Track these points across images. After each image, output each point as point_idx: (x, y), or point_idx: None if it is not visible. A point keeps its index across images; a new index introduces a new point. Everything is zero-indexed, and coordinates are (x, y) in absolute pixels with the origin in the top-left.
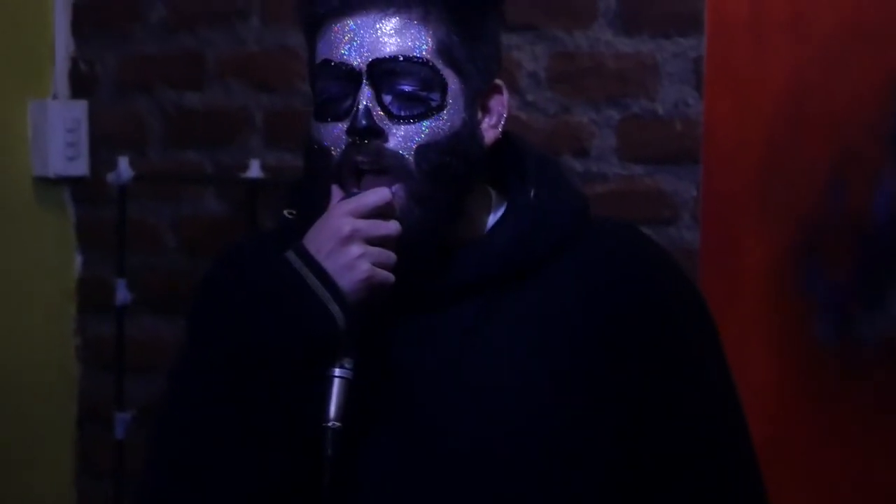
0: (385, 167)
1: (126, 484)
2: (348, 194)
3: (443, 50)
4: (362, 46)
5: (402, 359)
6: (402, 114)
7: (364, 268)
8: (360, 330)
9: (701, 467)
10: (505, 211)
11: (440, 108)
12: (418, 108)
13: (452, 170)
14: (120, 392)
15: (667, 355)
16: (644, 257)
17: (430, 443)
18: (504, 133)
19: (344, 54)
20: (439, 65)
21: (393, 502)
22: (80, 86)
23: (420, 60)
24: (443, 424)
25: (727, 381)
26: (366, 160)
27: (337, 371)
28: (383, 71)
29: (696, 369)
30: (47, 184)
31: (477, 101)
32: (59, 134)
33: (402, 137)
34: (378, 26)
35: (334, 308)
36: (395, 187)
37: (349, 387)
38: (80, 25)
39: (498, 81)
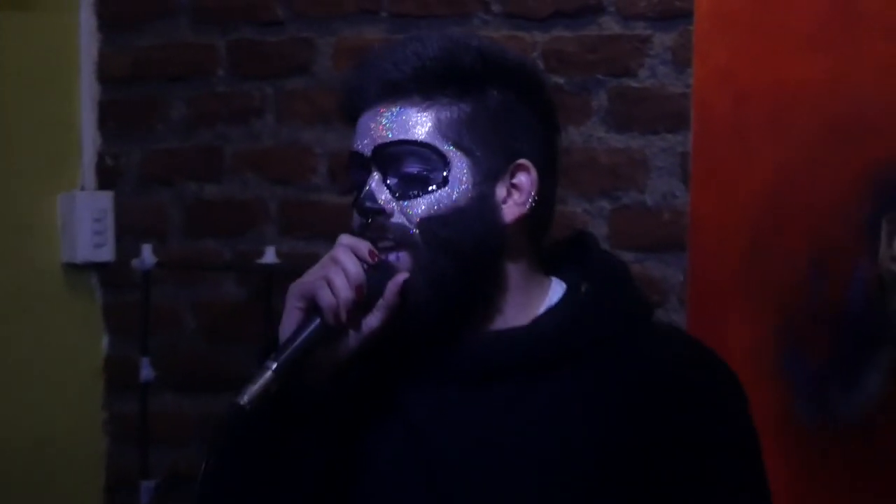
0: (393, 241)
1: None
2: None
3: (445, 131)
4: (369, 135)
5: (434, 429)
6: (406, 192)
7: (323, 272)
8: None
9: None
10: (559, 301)
11: (443, 184)
12: (420, 186)
13: (456, 243)
14: (145, 462)
15: (701, 456)
16: (689, 360)
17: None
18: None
19: (358, 145)
20: (441, 145)
21: None
22: (106, 178)
23: (418, 143)
24: (469, 494)
25: (764, 490)
26: (374, 237)
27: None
28: (386, 155)
29: (732, 475)
30: (76, 269)
31: (493, 180)
32: (87, 223)
33: (406, 213)
34: (381, 116)
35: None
36: (402, 254)
37: (270, 379)
38: (106, 122)
39: (524, 161)
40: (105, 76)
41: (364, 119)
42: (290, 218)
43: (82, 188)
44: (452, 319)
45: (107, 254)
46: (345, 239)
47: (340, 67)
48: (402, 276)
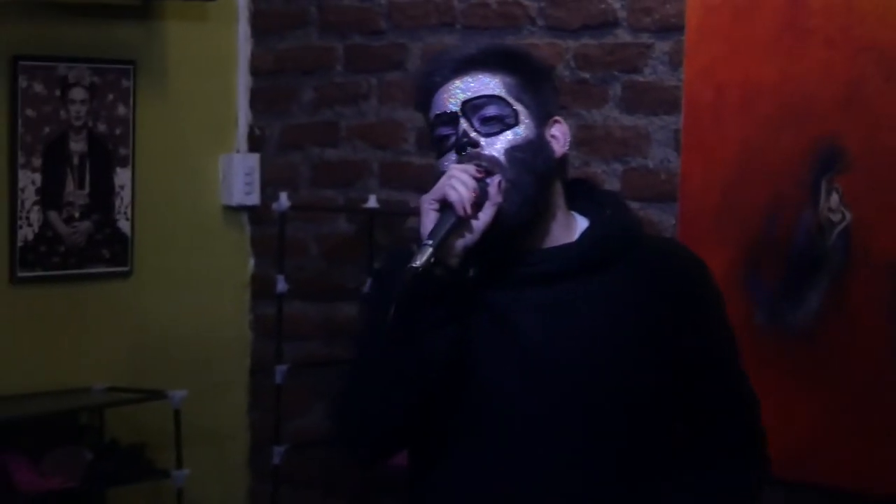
0: (486, 167)
1: (283, 415)
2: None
3: (509, 90)
4: (454, 97)
5: (518, 318)
6: (490, 131)
7: (446, 181)
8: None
9: (716, 373)
10: (590, 224)
11: (516, 124)
12: (499, 126)
13: (531, 163)
14: (279, 352)
15: (696, 315)
16: (682, 258)
17: (540, 374)
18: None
19: (443, 108)
20: (509, 98)
21: (514, 416)
22: (255, 144)
23: (495, 96)
24: (548, 361)
25: (730, 330)
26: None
27: (427, 241)
28: (471, 106)
29: (714, 322)
30: (231, 210)
31: (543, 124)
32: (240, 176)
33: (493, 146)
34: (462, 83)
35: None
36: (497, 177)
37: (431, 252)
38: (255, 103)
39: (558, 117)
40: (255, 70)
41: (442, 91)
42: (388, 174)
43: (237, 151)
44: (534, 225)
45: (254, 199)
46: (454, 167)
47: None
48: (498, 178)
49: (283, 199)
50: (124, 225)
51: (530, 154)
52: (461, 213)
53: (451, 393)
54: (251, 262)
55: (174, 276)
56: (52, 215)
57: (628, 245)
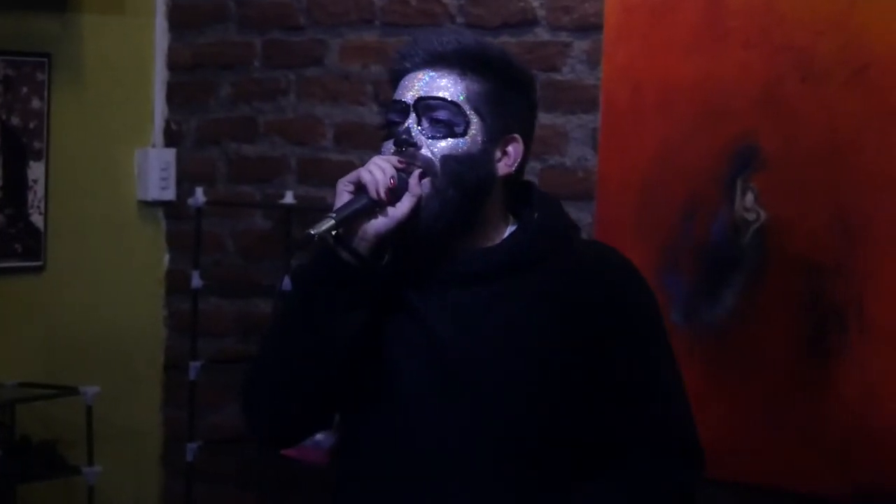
0: (420, 168)
1: (197, 411)
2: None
3: (471, 99)
4: (414, 89)
5: (435, 318)
6: (434, 133)
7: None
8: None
9: (647, 381)
10: (517, 228)
11: (462, 135)
12: (445, 131)
13: (463, 179)
14: (194, 348)
15: (625, 324)
16: (612, 263)
17: (451, 376)
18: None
19: (402, 95)
20: (466, 107)
21: (422, 416)
22: (171, 138)
23: (449, 100)
24: (462, 363)
25: (667, 343)
26: (405, 162)
27: (330, 214)
28: (424, 105)
29: (645, 334)
30: (147, 205)
31: (494, 143)
32: (156, 171)
33: (432, 148)
34: (427, 76)
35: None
36: (424, 182)
37: (330, 225)
38: (172, 98)
39: (517, 136)
40: (172, 64)
41: (408, 78)
42: (305, 170)
43: (153, 146)
44: (451, 235)
45: (170, 194)
46: (377, 157)
47: (345, 60)
48: (418, 171)
49: (199, 195)
50: (37, 219)
51: (466, 168)
52: (373, 195)
53: (364, 383)
54: (166, 257)
55: (88, 271)
56: None
57: (552, 249)
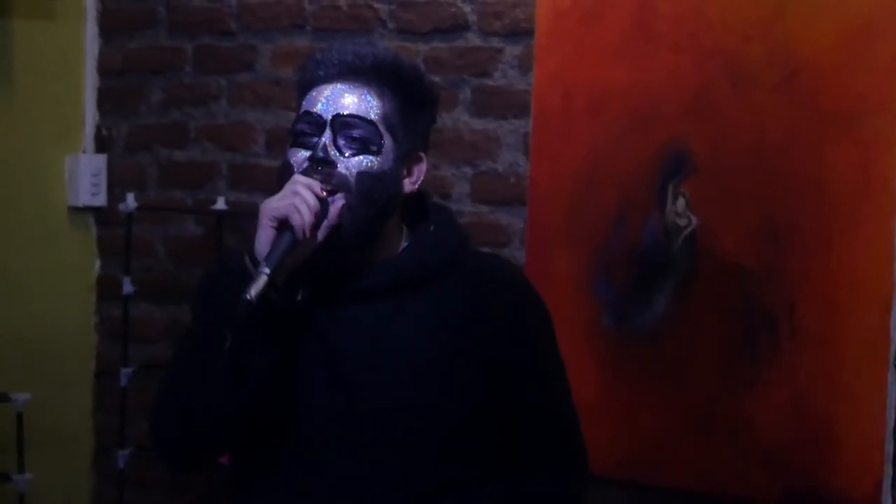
0: (334, 185)
1: (128, 418)
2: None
3: (385, 119)
4: (331, 104)
5: (335, 335)
6: (350, 150)
7: (290, 200)
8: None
9: (537, 401)
10: (410, 242)
11: (377, 153)
12: (360, 149)
13: (378, 195)
14: (125, 354)
15: (518, 337)
16: (505, 275)
17: (353, 394)
18: (420, 192)
19: (318, 108)
20: (381, 127)
21: (325, 435)
22: (102, 144)
23: (367, 119)
24: (363, 381)
25: (557, 355)
26: (321, 179)
27: (262, 268)
28: (341, 122)
29: (537, 346)
30: (77, 211)
31: (403, 161)
32: (87, 177)
33: (347, 165)
34: (344, 93)
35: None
36: (338, 196)
37: (267, 281)
38: (103, 103)
39: (422, 154)
40: (103, 69)
41: (322, 89)
42: (237, 176)
43: (84, 151)
44: (355, 251)
45: (101, 200)
46: (300, 178)
47: (276, 66)
48: (340, 202)
49: (130, 200)
50: None
51: (378, 186)
52: (300, 236)
53: (267, 408)
54: (97, 263)
55: (18, 276)
56: None
57: (447, 262)
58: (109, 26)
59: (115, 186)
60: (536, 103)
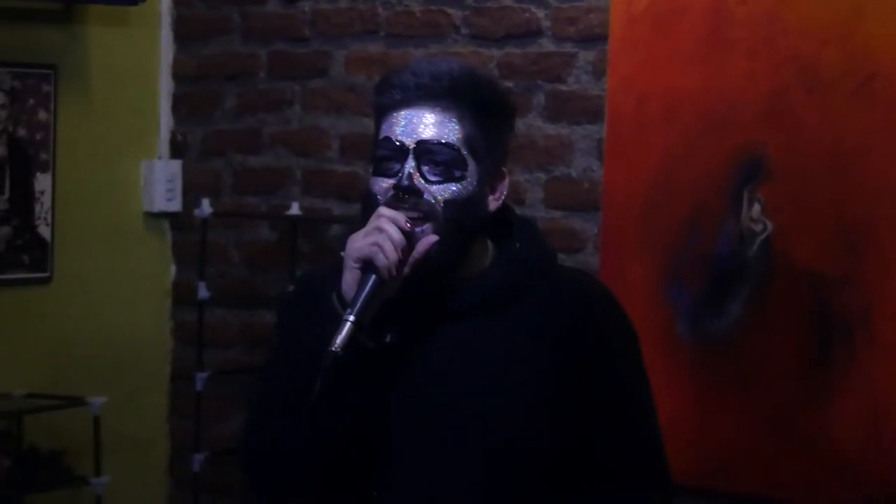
0: (422, 214)
1: (203, 422)
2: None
3: (467, 141)
4: (412, 130)
5: (421, 354)
6: (434, 179)
7: (374, 238)
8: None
9: (622, 423)
10: (497, 257)
11: (462, 178)
12: (445, 175)
13: (466, 221)
14: (200, 359)
15: (603, 357)
16: (591, 293)
17: (437, 413)
18: (505, 205)
19: (399, 134)
20: (464, 151)
21: (407, 451)
22: (177, 150)
23: (450, 145)
24: (447, 399)
25: (642, 374)
26: (407, 208)
27: (347, 315)
28: (425, 149)
29: (622, 366)
30: (153, 216)
31: (487, 180)
32: (162, 183)
33: (433, 193)
34: (425, 118)
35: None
36: (426, 226)
37: (352, 328)
38: (178, 109)
39: (504, 169)
40: (178, 75)
41: (401, 114)
42: (310, 181)
43: (159, 157)
44: (444, 275)
45: (176, 205)
46: (385, 211)
47: (350, 72)
48: (433, 238)
49: (205, 206)
50: (44, 231)
51: (465, 211)
52: (385, 277)
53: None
54: (172, 268)
55: (94, 282)
56: None
57: (534, 281)
58: (184, 33)
59: (190, 192)
60: (610, 108)
